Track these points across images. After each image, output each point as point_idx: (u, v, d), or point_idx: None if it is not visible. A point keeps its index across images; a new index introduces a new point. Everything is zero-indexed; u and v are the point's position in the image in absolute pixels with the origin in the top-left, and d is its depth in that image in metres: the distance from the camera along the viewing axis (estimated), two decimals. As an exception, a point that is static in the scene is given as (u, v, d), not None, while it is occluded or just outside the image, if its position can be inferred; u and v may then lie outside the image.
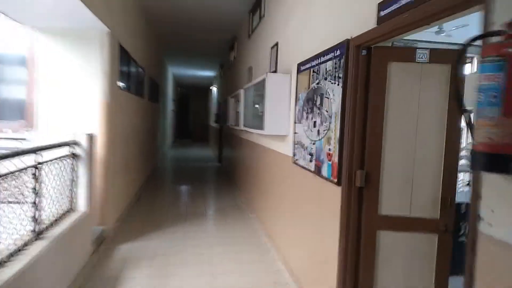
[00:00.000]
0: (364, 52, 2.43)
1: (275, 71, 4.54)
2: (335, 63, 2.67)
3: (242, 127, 6.07)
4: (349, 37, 2.51)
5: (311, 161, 3.15)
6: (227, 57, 10.79)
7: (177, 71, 16.39)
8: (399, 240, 2.48)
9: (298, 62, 3.59)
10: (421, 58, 2.37)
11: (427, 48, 2.38)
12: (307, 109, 3.29)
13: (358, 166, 2.48)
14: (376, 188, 2.45)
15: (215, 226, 5.59)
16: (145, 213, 6.15)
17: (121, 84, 5.32)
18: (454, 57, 2.37)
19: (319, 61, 2.99)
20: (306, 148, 3.27)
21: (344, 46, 2.52)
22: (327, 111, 2.82)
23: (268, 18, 5.38)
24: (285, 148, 4.07)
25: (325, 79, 2.86)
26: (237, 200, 7.33)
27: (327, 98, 2.83)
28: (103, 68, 4.53)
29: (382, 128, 2.42)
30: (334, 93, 2.69)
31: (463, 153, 3.46)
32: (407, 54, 2.39)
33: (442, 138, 2.41)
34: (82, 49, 4.52)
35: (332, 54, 2.72)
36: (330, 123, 2.75)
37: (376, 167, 2.45)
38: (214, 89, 16.69)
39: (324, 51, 2.89)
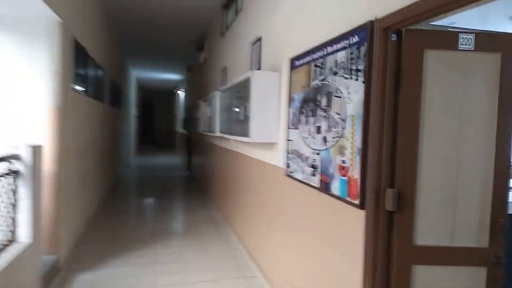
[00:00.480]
0: (394, 37, 1.89)
1: (258, 70, 3.96)
2: (352, 53, 2.12)
3: (217, 134, 5.43)
4: (372, 18, 1.96)
5: (313, 174, 2.58)
6: (195, 58, 10.11)
7: (140, 74, 15.46)
8: (439, 277, 1.95)
9: (291, 57, 3.02)
10: (466, 44, 1.86)
11: (472, 32, 1.88)
12: (306, 111, 2.72)
13: (387, 184, 1.93)
14: (410, 211, 1.91)
15: (190, 248, 4.89)
16: (107, 235, 5.35)
17: (76, 86, 4.55)
18: (507, 43, 1.88)
19: (325, 53, 2.43)
20: (306, 159, 2.69)
21: (366, 29, 1.97)
22: (338, 114, 2.26)
23: (247, 11, 4.79)
24: (274, 158, 3.48)
25: (335, 74, 2.30)
26: (212, 213, 6.65)
27: (337, 97, 2.27)
28: (53, 67, 3.77)
29: (418, 135, 1.89)
30: (350, 91, 2.13)
31: None
32: (448, 39, 1.87)
33: (491, 148, 1.91)
34: (27, 43, 3.73)
35: (347, 41, 2.17)
36: (343, 128, 2.19)
37: (410, 185, 1.90)
38: (181, 93, 15.90)
39: (333, 39, 2.33)
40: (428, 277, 1.94)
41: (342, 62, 2.23)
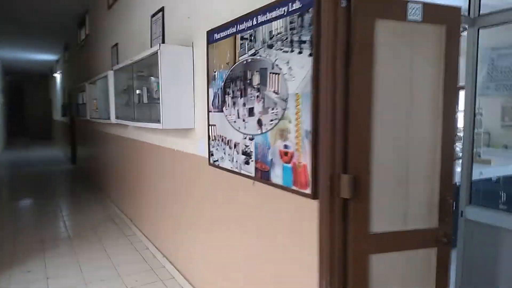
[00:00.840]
0: (344, 3, 1.66)
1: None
2: (292, 22, 1.84)
3: (113, 121, 4.75)
4: (320, -19, 1.69)
5: (247, 163, 2.28)
6: (75, 36, 8.85)
7: (5, 55, 13.10)
8: (394, 264, 1.85)
9: (209, 29, 2.63)
10: (414, 15, 1.73)
11: (420, 2, 1.75)
12: (233, 92, 2.38)
13: (341, 169, 1.73)
14: (366, 197, 1.74)
15: (88, 254, 4.21)
16: (-24, 251, 4.33)
17: None
18: (451, 17, 1.80)
19: (255, 22, 2.11)
20: (236, 145, 2.38)
21: (312, -6, 1.71)
22: (276, 93, 1.98)
23: (141, -22, 4.17)
24: (192, 146, 3.08)
25: (270, 47, 2.01)
26: (110, 212, 5.92)
27: (274, 74, 1.99)
28: None
29: (371, 115, 1.71)
30: (291, 66, 1.86)
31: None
32: (398, 8, 1.72)
33: (438, 125, 1.84)
34: None
35: (284, 8, 1.88)
36: (284, 109, 1.92)
37: (364, 169, 1.73)
38: (58, 75, 13.98)
39: (265, 6, 2.02)
40: (385, 265, 1.82)
41: (279, 33, 1.93)
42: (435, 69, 1.80)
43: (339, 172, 1.72)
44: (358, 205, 1.74)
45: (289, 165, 1.92)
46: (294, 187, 1.90)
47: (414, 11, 1.73)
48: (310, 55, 1.73)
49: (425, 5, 1.74)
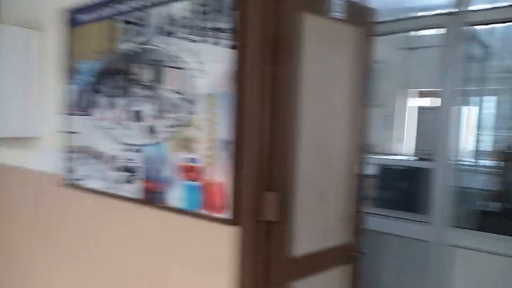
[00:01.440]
0: (270, -11, 1.40)
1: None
2: (205, 5, 1.48)
3: None
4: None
5: (129, 181, 1.77)
6: None
7: None
8: (317, 286, 1.66)
9: (71, 8, 2.01)
10: (338, 12, 1.60)
11: None
12: (107, 89, 1.84)
13: (266, 187, 1.44)
14: (289, 218, 1.51)
15: None
16: None
17: None
18: (368, 19, 1.73)
19: (146, 3, 1.66)
20: (113, 159, 1.84)
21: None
22: (179, 93, 1.57)
23: None
24: (38, 161, 2.31)
25: (169, 34, 1.59)
26: None
27: (176, 69, 1.58)
28: None
29: (297, 122, 1.49)
30: (202, 60, 1.50)
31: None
32: (323, 4, 1.55)
33: (355, 134, 1.75)
34: None
35: (195, -13, 1.50)
36: (191, 113, 1.54)
37: (290, 185, 1.49)
38: None
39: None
40: (307, 292, 1.61)
41: (184, 18, 1.54)
42: (353, 71, 1.71)
43: (264, 191, 1.43)
44: (282, 228, 1.48)
45: (196, 184, 1.54)
46: (203, 212, 1.52)
47: (338, 7, 1.59)
48: (232, 47, 1.41)
49: (348, 3, 1.63)
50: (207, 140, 1.49)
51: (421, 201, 2.43)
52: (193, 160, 1.54)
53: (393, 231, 2.26)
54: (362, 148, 1.78)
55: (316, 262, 1.64)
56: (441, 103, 2.20)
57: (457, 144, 2.21)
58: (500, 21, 1.87)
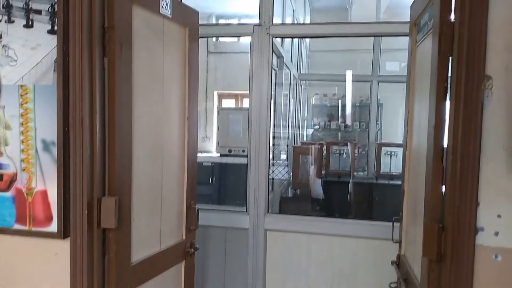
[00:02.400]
0: (99, -27, 1.27)
1: None
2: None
3: None
4: None
5: None
6: None
7: None
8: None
9: None
10: (166, 9, 1.58)
11: (170, -3, 1.62)
12: None
13: (102, 191, 1.31)
14: (128, 223, 1.41)
15: None
16: None
17: None
18: (192, 20, 1.76)
19: None
20: None
21: None
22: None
23: None
24: None
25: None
26: None
27: (-32, 52, 1.25)
28: None
29: (131, 119, 1.41)
30: (8, 43, 1.24)
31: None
32: (152, -1, 1.51)
33: (184, 130, 1.77)
34: None
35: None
36: (-6, 109, 1.25)
37: (127, 188, 1.40)
38: None
39: None
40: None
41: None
42: (181, 71, 1.72)
43: (100, 196, 1.29)
44: (120, 234, 1.37)
45: (7, 194, 1.26)
46: (18, 226, 1.26)
47: (166, 5, 1.57)
48: (52, 32, 1.21)
49: (174, 2, 1.63)
50: (20, 140, 1.24)
51: (239, 194, 2.66)
52: (0, 166, 1.25)
53: (218, 224, 2.39)
54: (194, 145, 1.81)
55: (155, 265, 1.59)
56: (251, 104, 2.41)
57: (266, 141, 2.47)
58: (297, 36, 2.22)
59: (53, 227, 1.24)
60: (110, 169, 1.33)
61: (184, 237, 1.78)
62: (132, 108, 1.40)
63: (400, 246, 1.71)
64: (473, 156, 1.03)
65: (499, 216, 1.04)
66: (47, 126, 1.22)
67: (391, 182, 3.66)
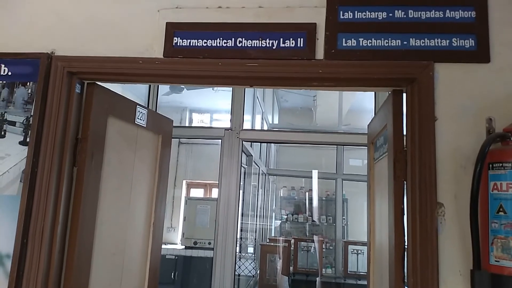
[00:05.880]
0: (78, 88, 1.34)
1: None
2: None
3: None
4: (49, 51, 1.30)
5: None
6: None
7: None
8: None
9: None
10: (141, 119, 1.65)
11: (146, 108, 1.70)
12: None
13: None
14: None
15: None
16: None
17: None
18: (166, 128, 1.84)
19: None
20: None
21: (38, 64, 1.28)
22: None
23: None
24: None
25: None
26: None
27: None
28: None
29: (94, 229, 1.38)
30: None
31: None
32: (128, 109, 1.59)
33: (149, 233, 1.73)
34: None
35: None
36: None
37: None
38: None
39: None
40: None
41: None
42: (151, 176, 1.74)
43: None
44: None
45: None
46: None
47: (141, 116, 1.65)
48: (24, 143, 1.23)
49: (149, 112, 1.71)
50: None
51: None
52: None
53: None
54: (156, 252, 1.76)
55: None
56: (219, 195, 2.40)
57: (234, 234, 2.42)
58: (265, 141, 2.35)
59: None
60: (66, 280, 1.26)
61: None
62: (96, 217, 1.38)
63: None
64: (432, 282, 1.07)
65: None
66: (4, 238, 1.18)
67: (359, 282, 3.60)
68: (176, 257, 4.61)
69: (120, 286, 1.53)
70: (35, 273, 1.19)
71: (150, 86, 2.60)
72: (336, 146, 4.13)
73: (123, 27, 1.33)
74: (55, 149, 1.24)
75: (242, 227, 4.08)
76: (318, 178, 4.59)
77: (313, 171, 4.42)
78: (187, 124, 5.38)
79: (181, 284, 4.25)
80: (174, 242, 5.37)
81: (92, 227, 1.36)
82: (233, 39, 1.26)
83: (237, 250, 2.43)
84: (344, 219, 4.80)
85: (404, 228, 1.20)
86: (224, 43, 1.27)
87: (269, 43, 1.24)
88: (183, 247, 4.74)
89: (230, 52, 1.26)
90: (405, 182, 1.22)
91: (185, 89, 4.31)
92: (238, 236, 2.46)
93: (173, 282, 4.21)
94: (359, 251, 3.67)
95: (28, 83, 1.27)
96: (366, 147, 1.79)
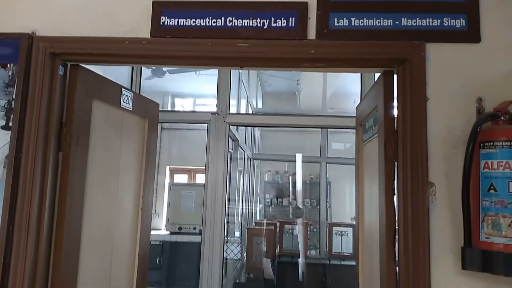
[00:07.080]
0: (61, 70, 1.29)
1: None
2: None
3: None
4: (30, 32, 1.24)
5: None
6: None
7: None
8: None
9: None
10: (126, 103, 1.61)
11: (131, 91, 1.65)
12: None
13: (43, 296, 1.19)
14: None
15: None
16: None
17: None
18: (152, 112, 1.80)
19: None
20: None
21: (18, 44, 1.22)
22: None
23: None
24: None
25: None
26: None
27: None
28: None
29: (81, 215, 1.35)
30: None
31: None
32: (113, 93, 1.54)
33: (138, 219, 1.70)
34: None
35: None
36: None
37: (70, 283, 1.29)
38: None
39: None
40: None
41: None
42: (138, 160, 1.71)
43: (42, 301, 1.18)
44: None
45: None
46: None
47: (127, 99, 1.60)
48: (6, 127, 1.18)
49: (135, 95, 1.67)
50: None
51: (190, 275, 2.50)
52: None
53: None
54: (145, 237, 1.74)
55: None
56: (207, 180, 2.38)
57: (222, 219, 2.41)
58: (251, 125, 2.34)
59: None
60: (55, 268, 1.23)
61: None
62: (84, 203, 1.35)
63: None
64: (423, 260, 1.09)
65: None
66: (-13, 226, 1.13)
67: (343, 262, 3.67)
68: (161, 243, 4.59)
69: (110, 272, 1.51)
70: (22, 262, 1.16)
71: (132, 69, 2.53)
72: (320, 129, 4.16)
73: (108, 5, 1.28)
74: (39, 134, 1.20)
75: (228, 212, 4.08)
76: (302, 162, 4.62)
77: (297, 154, 4.44)
78: (169, 109, 5.30)
79: (167, 269, 4.24)
80: (159, 228, 5.34)
81: (79, 213, 1.33)
82: (223, 18, 1.23)
83: (225, 235, 2.43)
84: (327, 201, 4.86)
85: (395, 208, 1.22)
86: (214, 22, 1.23)
87: (260, 23, 1.22)
88: (168, 232, 4.72)
89: (219, 31, 1.23)
90: (396, 162, 1.23)
91: (167, 73, 4.22)
92: (226, 221, 2.45)
93: (159, 268, 4.20)
94: (343, 233, 3.73)
95: (8, 65, 1.21)
96: (349, 131, 1.80)
